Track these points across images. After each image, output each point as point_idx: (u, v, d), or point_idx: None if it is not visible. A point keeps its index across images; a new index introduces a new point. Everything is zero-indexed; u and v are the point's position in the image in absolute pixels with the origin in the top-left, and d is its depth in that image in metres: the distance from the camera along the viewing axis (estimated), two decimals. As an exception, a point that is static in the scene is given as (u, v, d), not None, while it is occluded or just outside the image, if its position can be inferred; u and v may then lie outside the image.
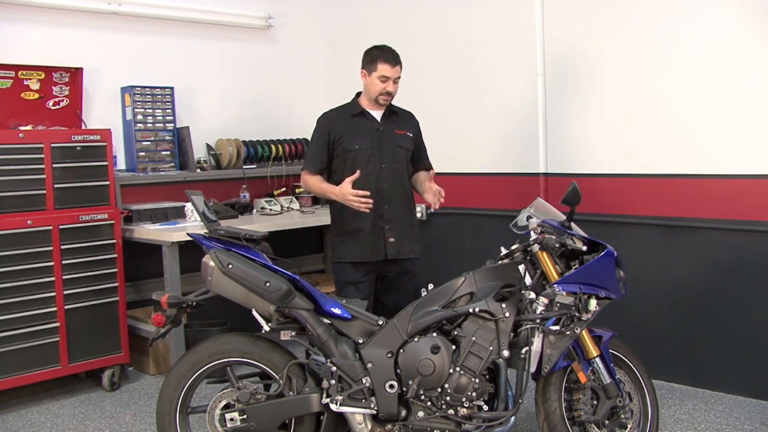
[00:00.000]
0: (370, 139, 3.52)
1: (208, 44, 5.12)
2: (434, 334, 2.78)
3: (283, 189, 5.29)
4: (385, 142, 3.54)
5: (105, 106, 4.65)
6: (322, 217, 4.74)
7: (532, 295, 2.77)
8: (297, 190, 5.28)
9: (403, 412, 2.75)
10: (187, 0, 4.95)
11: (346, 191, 3.30)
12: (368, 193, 3.30)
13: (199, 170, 4.91)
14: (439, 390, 2.74)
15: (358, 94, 3.65)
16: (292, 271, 2.79)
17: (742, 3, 3.64)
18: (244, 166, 5.13)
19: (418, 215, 4.96)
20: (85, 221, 4.04)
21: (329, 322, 2.79)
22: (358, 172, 3.36)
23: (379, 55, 3.49)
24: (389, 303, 3.55)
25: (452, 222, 4.83)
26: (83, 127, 4.38)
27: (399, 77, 3.52)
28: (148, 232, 4.21)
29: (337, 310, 2.79)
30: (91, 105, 4.58)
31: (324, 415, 2.76)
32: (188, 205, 4.39)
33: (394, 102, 3.66)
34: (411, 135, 3.63)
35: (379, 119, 3.58)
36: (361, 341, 2.79)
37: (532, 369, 2.74)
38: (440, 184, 3.57)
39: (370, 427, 2.75)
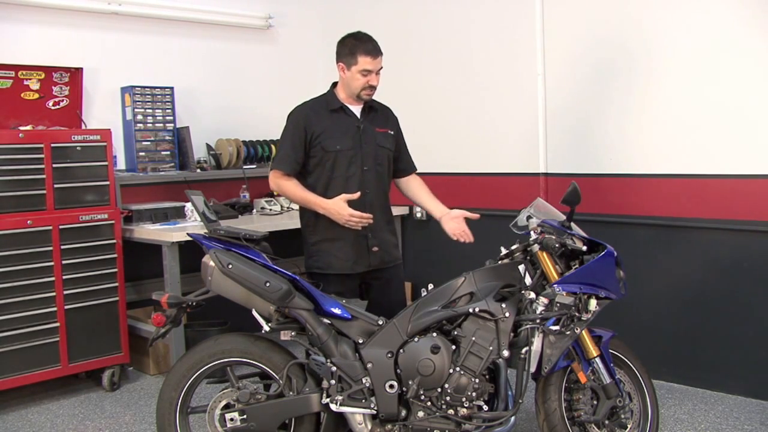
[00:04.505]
0: (351, 138, 3.17)
1: (208, 44, 5.12)
2: (434, 334, 2.78)
3: (283, 189, 5.28)
4: (366, 141, 3.19)
5: (105, 106, 4.65)
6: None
7: (532, 295, 2.77)
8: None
9: (403, 412, 2.75)
10: (187, 0, 4.95)
11: (344, 212, 3.01)
12: (371, 215, 3.05)
13: (199, 170, 4.90)
14: (439, 390, 2.73)
15: (334, 85, 3.26)
16: (292, 271, 2.79)
17: (742, 3, 3.63)
18: (244, 166, 5.13)
19: (418, 215, 4.98)
20: (85, 221, 4.03)
21: (329, 322, 2.78)
22: (358, 193, 3.06)
23: (358, 47, 3.11)
24: (379, 309, 3.19)
25: (452, 222, 4.82)
26: (83, 127, 4.38)
27: (381, 68, 3.16)
28: (148, 232, 4.21)
29: (337, 310, 2.78)
30: (91, 105, 4.58)
31: (324, 415, 2.76)
32: (188, 205, 4.39)
33: (379, 98, 3.32)
34: (392, 133, 3.30)
35: (358, 115, 3.22)
36: (361, 341, 2.78)
37: (532, 369, 2.73)
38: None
39: (370, 427, 2.74)
